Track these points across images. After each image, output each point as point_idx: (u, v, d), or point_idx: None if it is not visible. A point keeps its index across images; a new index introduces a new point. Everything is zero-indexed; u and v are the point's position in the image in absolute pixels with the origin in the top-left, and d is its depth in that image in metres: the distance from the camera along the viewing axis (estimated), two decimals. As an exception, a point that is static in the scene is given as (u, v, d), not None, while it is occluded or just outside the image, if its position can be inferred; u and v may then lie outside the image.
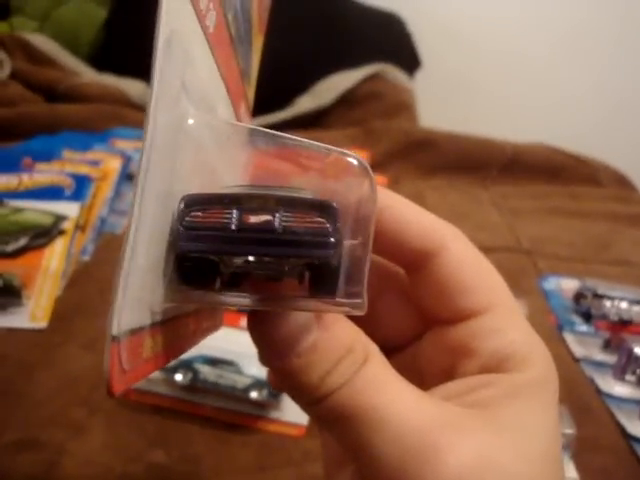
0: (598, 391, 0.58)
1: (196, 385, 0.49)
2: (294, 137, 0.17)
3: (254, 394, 0.48)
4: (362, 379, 0.20)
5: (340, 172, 0.17)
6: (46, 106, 1.03)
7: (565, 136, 1.24)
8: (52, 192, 0.69)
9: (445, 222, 0.25)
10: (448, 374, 0.24)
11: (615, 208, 1.08)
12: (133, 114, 1.06)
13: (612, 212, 1.06)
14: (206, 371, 0.49)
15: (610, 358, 0.61)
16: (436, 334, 0.26)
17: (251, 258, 0.16)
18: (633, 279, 0.78)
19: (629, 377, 0.58)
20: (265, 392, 0.48)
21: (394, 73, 1.36)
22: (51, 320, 0.58)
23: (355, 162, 0.17)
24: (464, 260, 0.24)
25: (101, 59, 1.24)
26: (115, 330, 0.14)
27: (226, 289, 0.17)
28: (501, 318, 0.24)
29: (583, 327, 0.67)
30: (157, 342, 0.17)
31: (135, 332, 0.15)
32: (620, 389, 0.58)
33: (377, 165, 1.03)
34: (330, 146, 0.17)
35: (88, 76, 1.15)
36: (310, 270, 0.16)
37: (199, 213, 0.16)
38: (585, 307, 0.68)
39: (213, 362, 0.49)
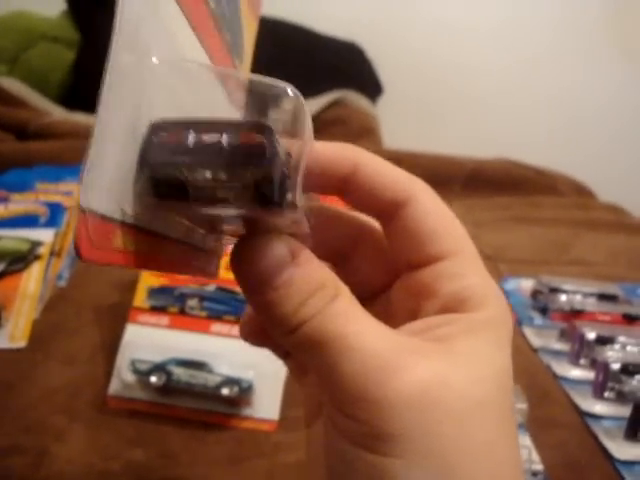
0: (555, 376, 0.61)
1: (170, 386, 0.51)
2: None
3: (225, 390, 0.51)
4: (332, 311, 0.23)
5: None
6: (18, 144, 1.06)
7: (525, 150, 1.28)
8: (28, 220, 0.72)
9: (415, 176, 0.27)
10: (413, 315, 0.26)
11: (574, 214, 1.12)
12: (104, 148, 1.09)
13: (572, 218, 1.09)
14: (179, 372, 0.51)
15: (566, 346, 0.64)
16: (404, 279, 0.28)
17: (208, 175, 0.19)
18: (591, 277, 0.81)
19: (583, 361, 0.61)
20: (236, 388, 0.51)
21: (357, 99, 1.40)
22: (30, 340, 0.60)
23: (289, 90, 0.20)
24: (431, 210, 0.27)
25: (71, 99, 1.27)
26: (83, 203, 0.17)
27: (198, 204, 0.20)
28: (462, 263, 0.26)
29: (540, 321, 0.70)
30: (130, 241, 0.20)
31: (105, 219, 0.18)
32: (575, 372, 0.61)
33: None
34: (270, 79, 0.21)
35: (58, 115, 1.18)
36: (257, 188, 0.19)
37: (163, 134, 0.19)
38: (542, 302, 0.72)
39: (186, 364, 0.52)
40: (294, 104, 0.20)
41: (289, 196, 0.20)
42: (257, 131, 0.19)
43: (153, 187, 0.19)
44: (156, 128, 0.19)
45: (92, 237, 0.17)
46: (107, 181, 0.18)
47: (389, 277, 0.29)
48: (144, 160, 0.19)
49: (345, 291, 0.24)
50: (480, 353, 0.24)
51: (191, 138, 0.19)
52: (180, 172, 0.19)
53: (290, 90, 0.20)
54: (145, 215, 0.20)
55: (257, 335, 0.31)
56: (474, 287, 0.25)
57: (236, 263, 0.23)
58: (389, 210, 0.27)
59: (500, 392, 0.23)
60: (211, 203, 0.20)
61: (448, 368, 0.22)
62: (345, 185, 0.27)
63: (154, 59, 0.20)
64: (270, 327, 0.24)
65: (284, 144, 0.20)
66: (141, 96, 0.19)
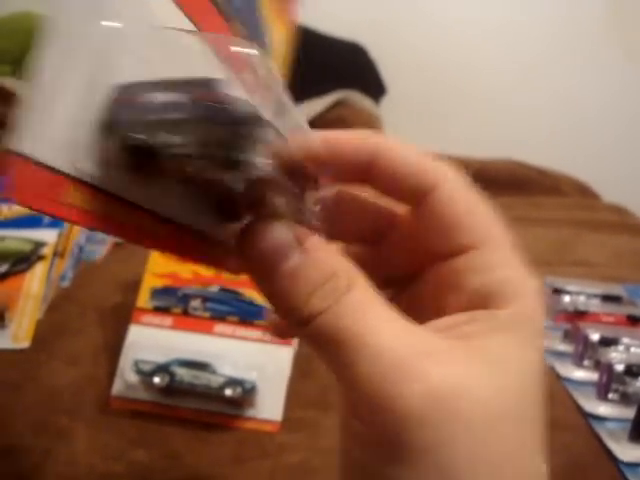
0: (559, 377, 0.61)
1: (173, 386, 0.51)
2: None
3: (228, 391, 0.51)
4: (345, 305, 0.21)
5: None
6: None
7: (528, 151, 1.28)
8: (31, 220, 0.72)
9: (443, 162, 0.26)
10: (441, 309, 0.25)
11: (577, 215, 1.11)
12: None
13: (574, 219, 1.09)
14: (182, 373, 0.51)
15: (569, 347, 0.64)
16: (432, 271, 0.26)
17: (167, 135, 0.19)
18: (595, 278, 0.81)
19: (587, 363, 0.61)
20: (239, 389, 0.51)
21: (360, 99, 1.40)
22: (33, 341, 0.60)
23: (257, 52, 0.20)
24: (458, 197, 0.25)
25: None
26: (19, 148, 0.17)
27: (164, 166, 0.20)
28: (491, 255, 0.24)
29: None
30: (86, 200, 0.20)
31: (54, 171, 0.18)
32: (579, 373, 0.61)
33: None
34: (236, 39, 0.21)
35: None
36: (217, 147, 0.19)
37: (127, 96, 0.19)
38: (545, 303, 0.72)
39: (189, 364, 0.52)
40: (260, 60, 0.20)
41: (249, 155, 0.19)
42: (212, 87, 0.19)
43: (119, 150, 0.19)
44: (119, 89, 0.19)
45: (21, 183, 0.18)
46: (57, 136, 0.18)
47: (419, 266, 0.27)
48: (104, 122, 0.19)
49: (360, 281, 0.22)
50: (506, 357, 0.22)
51: (155, 97, 0.19)
52: (141, 133, 0.19)
53: (254, 50, 0.20)
54: (107, 178, 0.20)
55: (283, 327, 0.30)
56: (502, 281, 0.24)
57: (240, 249, 0.22)
58: (416, 196, 0.26)
59: (523, 400, 0.22)
60: (176, 166, 0.20)
61: (467, 375, 0.21)
62: (368, 174, 0.26)
63: (121, 24, 0.20)
64: (285, 319, 0.23)
65: (249, 102, 0.19)
66: (101, 59, 0.19)
